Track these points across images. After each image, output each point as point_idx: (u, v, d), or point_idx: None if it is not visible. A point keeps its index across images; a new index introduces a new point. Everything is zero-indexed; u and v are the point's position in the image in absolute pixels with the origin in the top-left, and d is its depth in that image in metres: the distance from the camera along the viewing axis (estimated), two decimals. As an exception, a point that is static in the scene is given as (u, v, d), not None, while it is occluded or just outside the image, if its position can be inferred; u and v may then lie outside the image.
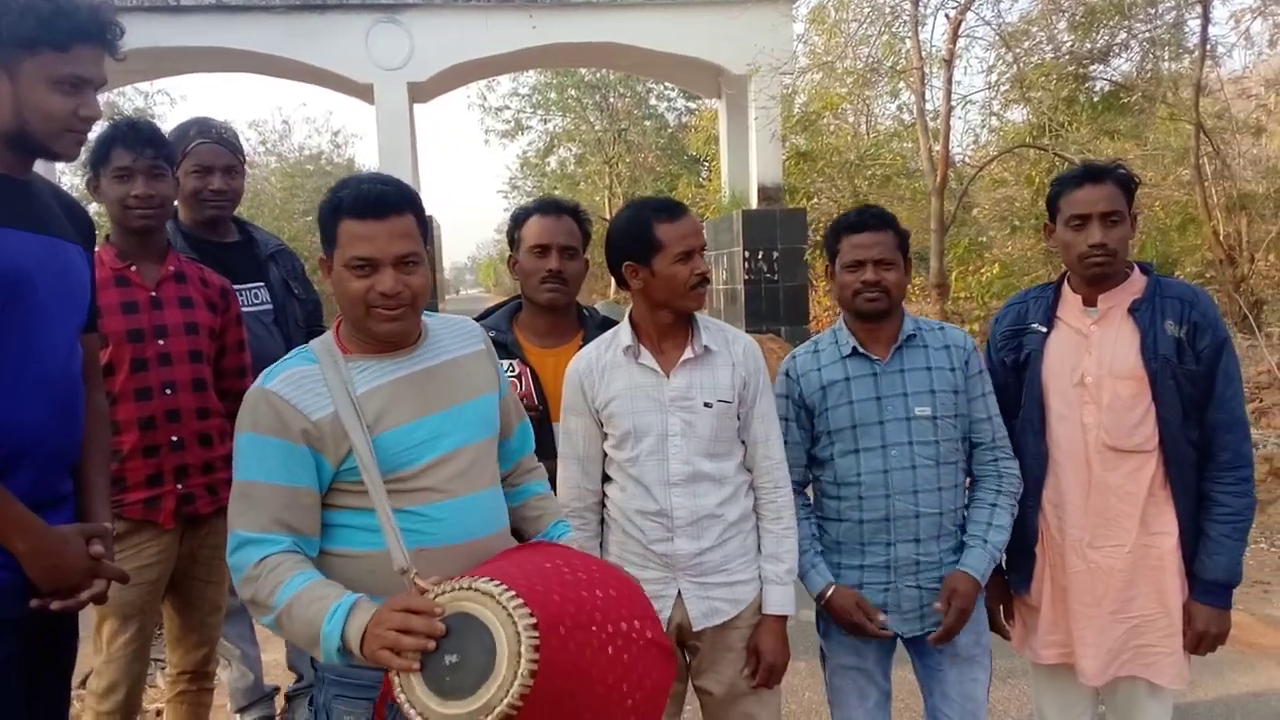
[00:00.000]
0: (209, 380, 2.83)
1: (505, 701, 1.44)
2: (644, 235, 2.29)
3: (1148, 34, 13.30)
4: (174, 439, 2.71)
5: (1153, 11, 13.05)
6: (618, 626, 1.66)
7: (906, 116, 17.50)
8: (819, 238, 16.67)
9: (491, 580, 1.56)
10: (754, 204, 15.53)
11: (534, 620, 1.49)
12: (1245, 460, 2.36)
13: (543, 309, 2.68)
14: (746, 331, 12.96)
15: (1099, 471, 2.42)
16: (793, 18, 14.01)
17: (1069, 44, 13.66)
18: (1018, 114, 15.74)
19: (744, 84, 14.71)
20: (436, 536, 1.84)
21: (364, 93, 15.34)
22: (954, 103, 13.73)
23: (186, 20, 14.04)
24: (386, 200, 1.78)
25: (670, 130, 29.61)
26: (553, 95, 30.43)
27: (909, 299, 16.75)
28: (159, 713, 3.53)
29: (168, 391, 2.70)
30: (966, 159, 16.61)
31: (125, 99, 23.38)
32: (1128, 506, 2.40)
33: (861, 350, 2.46)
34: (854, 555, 2.47)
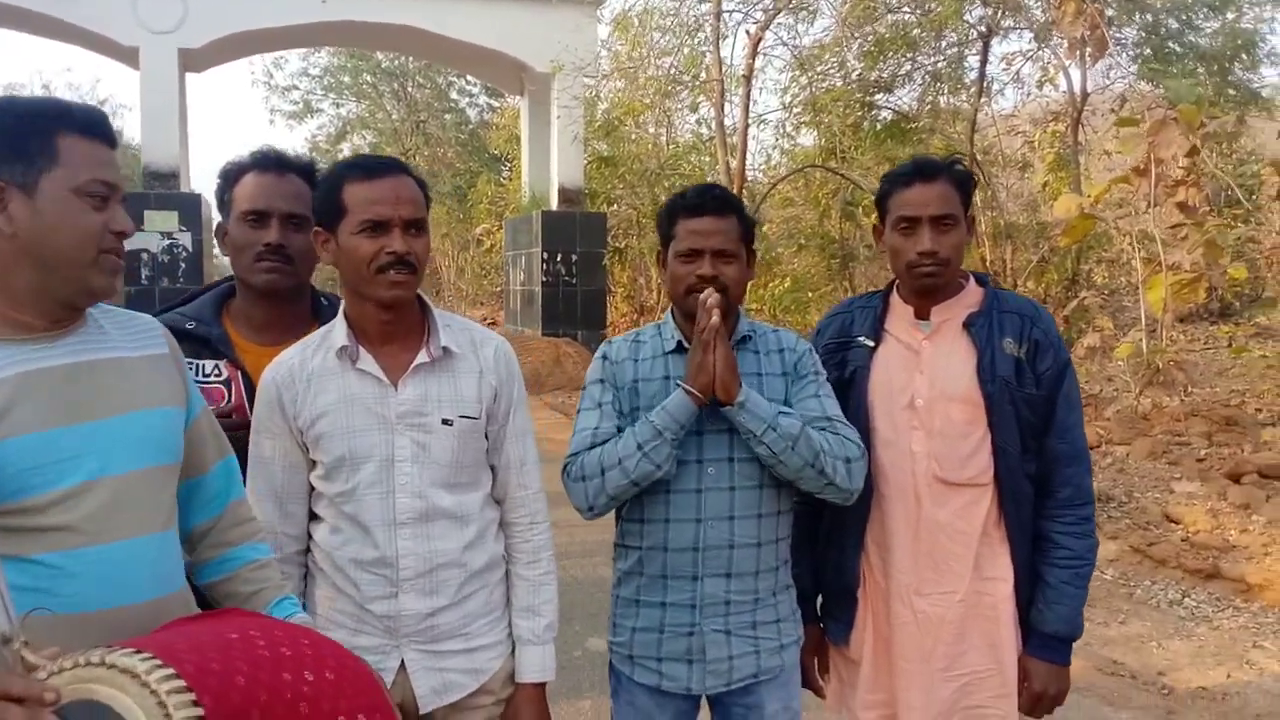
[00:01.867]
0: None
1: None
2: (331, 195, 1.78)
3: (930, 68, 14.00)
4: None
5: (936, 46, 13.74)
6: (330, 716, 1.26)
7: (705, 130, 17.72)
8: (618, 244, 16.59)
9: (137, 653, 1.12)
10: (554, 205, 15.27)
11: (200, 712, 1.08)
12: (1087, 497, 2.13)
13: (261, 294, 2.08)
14: (543, 335, 12.64)
15: (929, 507, 2.12)
16: (598, 19, 13.86)
17: (858, 71, 14.16)
18: (809, 137, 16.26)
19: (547, 83, 14.41)
20: (68, 598, 1.34)
21: (129, 56, 13.93)
22: (750, 120, 13.96)
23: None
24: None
25: (471, 126, 28.89)
26: (346, 79, 29.04)
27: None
28: None
29: None
30: (760, 176, 17.01)
31: None
32: (959, 548, 2.12)
33: (687, 348, 2.06)
34: (655, 590, 2.06)
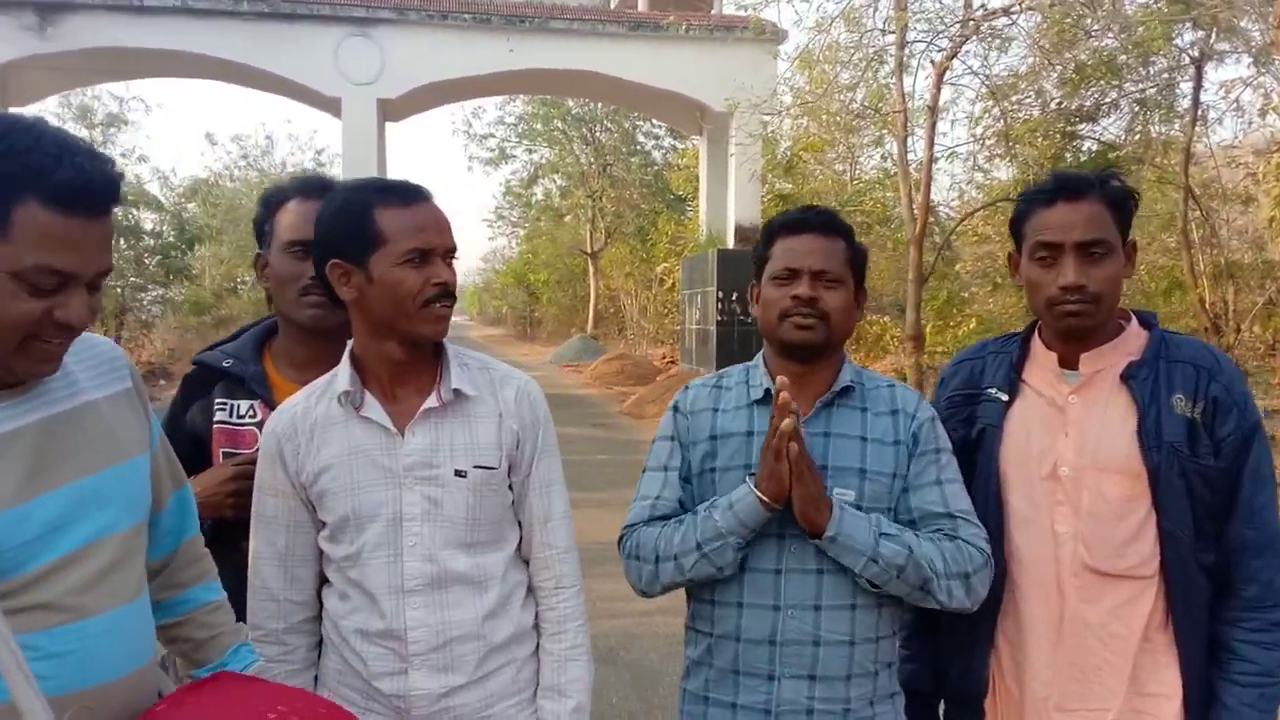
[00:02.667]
0: None
1: None
2: (360, 222, 1.59)
3: (1138, 95, 12.97)
4: None
5: (1144, 73, 12.72)
6: None
7: (890, 165, 17.16)
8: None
9: None
10: (731, 244, 15.10)
11: None
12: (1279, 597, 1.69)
13: (304, 331, 1.93)
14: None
15: (1075, 603, 1.74)
16: (776, 55, 13.63)
17: (1057, 100, 13.30)
18: (1004, 171, 15.42)
19: (725, 122, 14.30)
20: (55, 681, 1.19)
21: (332, 106, 14.85)
22: (938, 153, 13.34)
23: (151, 21, 13.49)
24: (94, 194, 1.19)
25: (656, 168, 29.26)
26: (538, 126, 30.06)
27: (883, 350, 16.33)
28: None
29: None
30: (950, 212, 16.26)
31: (100, 103, 22.86)
32: (1114, 655, 1.72)
33: (765, 397, 1.78)
34: (725, 688, 1.74)
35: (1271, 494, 1.71)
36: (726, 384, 1.85)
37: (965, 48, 12.16)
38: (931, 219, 13.92)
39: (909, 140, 13.22)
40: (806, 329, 1.72)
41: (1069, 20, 11.27)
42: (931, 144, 12.68)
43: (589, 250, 31.36)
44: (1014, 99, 13.55)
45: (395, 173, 18.77)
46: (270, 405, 1.87)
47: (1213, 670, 1.71)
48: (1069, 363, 1.80)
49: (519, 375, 1.76)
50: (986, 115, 13.84)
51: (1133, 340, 1.79)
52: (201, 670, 1.51)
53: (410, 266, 1.57)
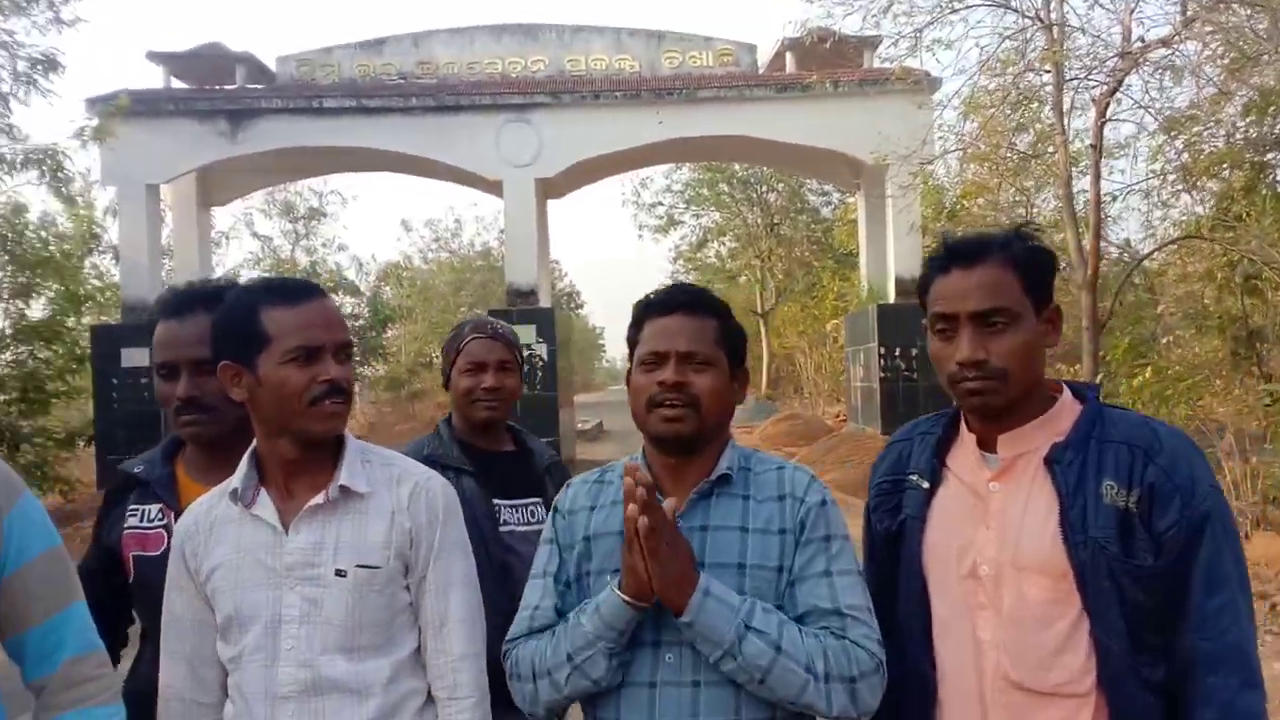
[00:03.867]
0: None
1: None
2: (246, 323, 1.61)
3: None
4: None
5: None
6: None
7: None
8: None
9: None
10: (891, 298, 14.69)
11: None
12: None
13: (193, 442, 1.98)
14: (883, 433, 11.89)
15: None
16: (923, 105, 13.30)
17: (1243, 129, 12.29)
18: (1200, 205, 14.36)
19: (880, 175, 14.01)
20: None
21: (494, 188, 15.56)
22: (1116, 192, 12.58)
23: (330, 122, 14.63)
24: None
25: (827, 224, 28.98)
26: (705, 191, 30.43)
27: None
28: None
29: None
30: (1133, 251, 15.25)
31: (301, 198, 24.94)
32: None
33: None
34: None
35: (1233, 597, 1.45)
36: (609, 478, 1.75)
37: (1128, 80, 11.49)
38: (1125, 257, 13.10)
39: (1075, 180, 12.56)
40: (674, 420, 1.62)
41: (1243, 44, 10.47)
42: (1097, 183, 11.99)
43: (759, 311, 31.25)
44: (1195, 130, 12.66)
45: (558, 248, 19.44)
46: (173, 508, 1.91)
47: None
48: (989, 445, 1.60)
49: (420, 472, 1.73)
50: (1163, 151, 12.98)
51: (1062, 417, 1.58)
52: None
53: (295, 365, 1.59)
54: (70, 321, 13.94)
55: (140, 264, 14.38)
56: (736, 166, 27.68)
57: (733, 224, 31.45)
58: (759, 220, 30.09)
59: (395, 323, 26.66)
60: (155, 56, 15.39)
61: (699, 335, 1.64)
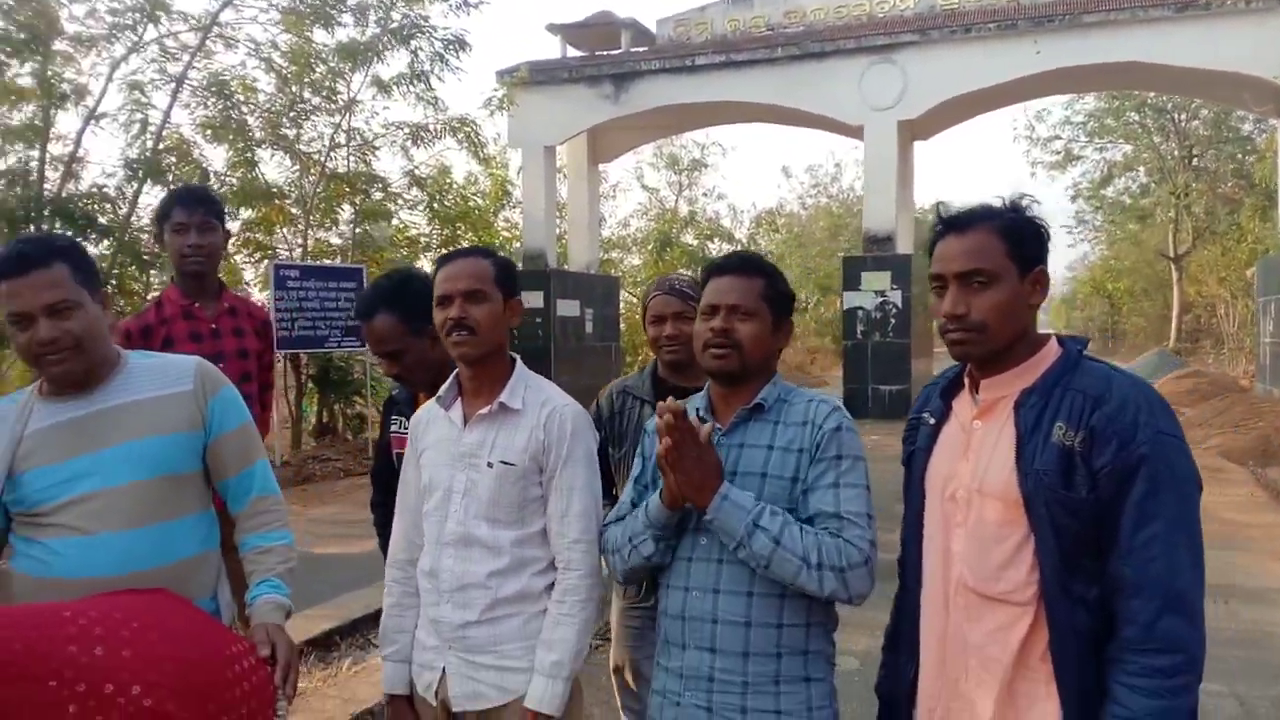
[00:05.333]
0: (254, 395, 3.33)
1: None
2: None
3: None
4: None
5: None
6: (96, 688, 1.62)
7: None
8: None
9: None
10: (1315, 242, 12.75)
11: None
12: (1164, 642, 1.56)
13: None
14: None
15: (958, 621, 1.77)
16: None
17: None
18: None
19: (1302, 97, 12.16)
20: (54, 568, 1.92)
21: (855, 133, 15.55)
22: None
23: (701, 78, 15.46)
24: (26, 258, 1.92)
25: (1259, 154, 25.25)
26: (1110, 121, 27.74)
27: None
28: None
29: None
30: None
31: (685, 151, 26.36)
32: (989, 676, 1.72)
33: (704, 416, 2.03)
34: (663, 654, 2.06)
35: (1163, 533, 1.57)
36: (695, 405, 2.10)
37: None
38: None
39: None
40: (720, 358, 1.97)
41: None
42: None
43: (1172, 255, 28.08)
44: None
45: (921, 192, 18.88)
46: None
47: (1091, 713, 1.62)
48: (978, 388, 1.81)
49: (561, 400, 2.18)
50: None
51: (1038, 366, 1.74)
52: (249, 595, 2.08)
53: (439, 308, 2.14)
54: (484, 267, 16.07)
55: (537, 218, 16.26)
56: (1151, 94, 24.93)
57: (1143, 157, 28.40)
58: (1175, 152, 26.92)
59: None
60: (553, 28, 17.13)
61: (746, 291, 2.00)
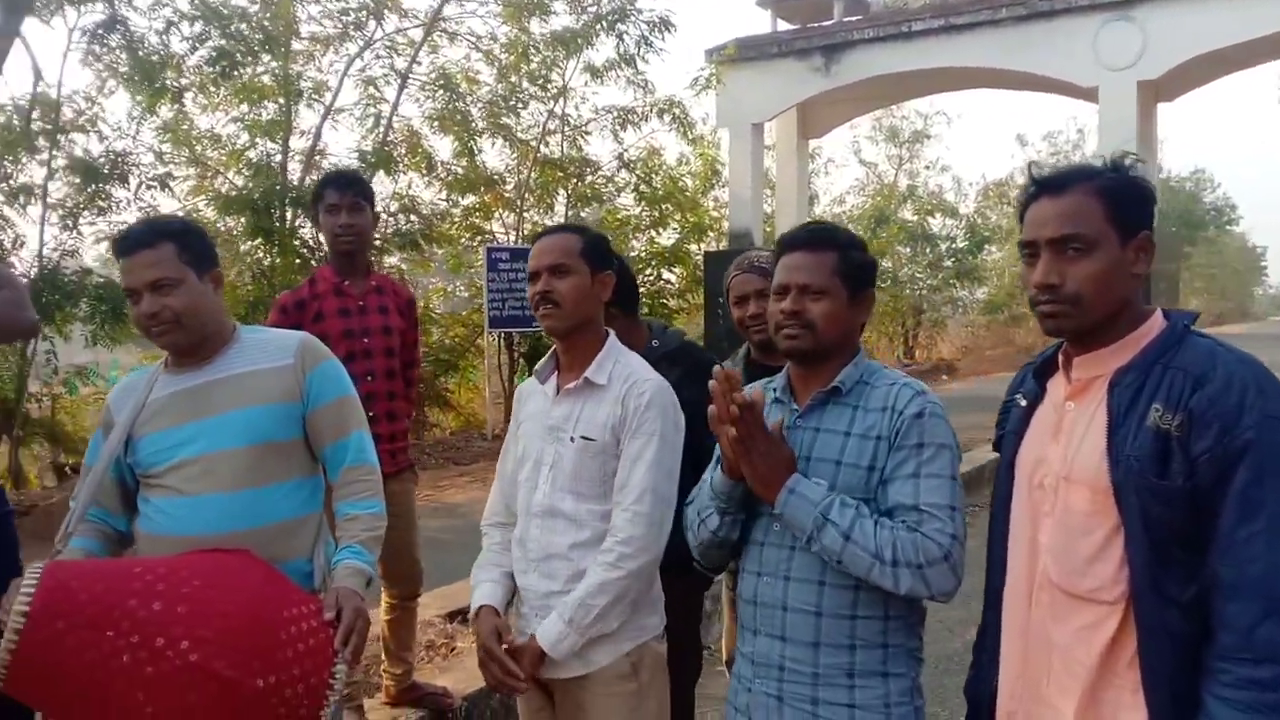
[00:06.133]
0: (397, 370, 3.52)
1: (0, 653, 1.71)
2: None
3: None
4: (370, 414, 3.19)
5: None
6: (148, 640, 1.70)
7: None
8: None
9: (36, 570, 1.78)
10: None
11: (25, 608, 1.70)
12: (1264, 651, 1.39)
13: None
14: None
15: (1041, 619, 1.64)
16: None
17: None
18: None
19: None
20: (160, 526, 2.10)
21: (1089, 95, 14.43)
22: None
23: (918, 44, 14.82)
24: (133, 238, 2.10)
25: None
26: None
27: None
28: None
29: (369, 378, 3.38)
30: None
31: (906, 122, 25.39)
32: (1071, 681, 1.58)
33: (782, 398, 1.99)
34: (741, 638, 2.02)
35: (1267, 528, 1.41)
36: (770, 386, 2.06)
37: None
38: None
39: None
40: (793, 338, 1.90)
41: None
42: None
43: None
44: None
45: (1172, 159, 17.29)
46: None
47: None
48: (1072, 367, 1.66)
49: (644, 375, 2.20)
50: None
51: (1137, 342, 1.58)
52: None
53: (530, 283, 2.26)
54: (692, 247, 16.20)
55: (744, 196, 16.17)
56: None
57: None
58: None
59: (994, 244, 25.99)
60: (763, 2, 16.92)
61: (816, 268, 1.91)
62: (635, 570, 2.11)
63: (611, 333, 2.30)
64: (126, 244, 2.11)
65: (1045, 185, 1.63)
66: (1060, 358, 1.71)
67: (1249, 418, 1.44)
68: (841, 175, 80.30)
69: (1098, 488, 1.56)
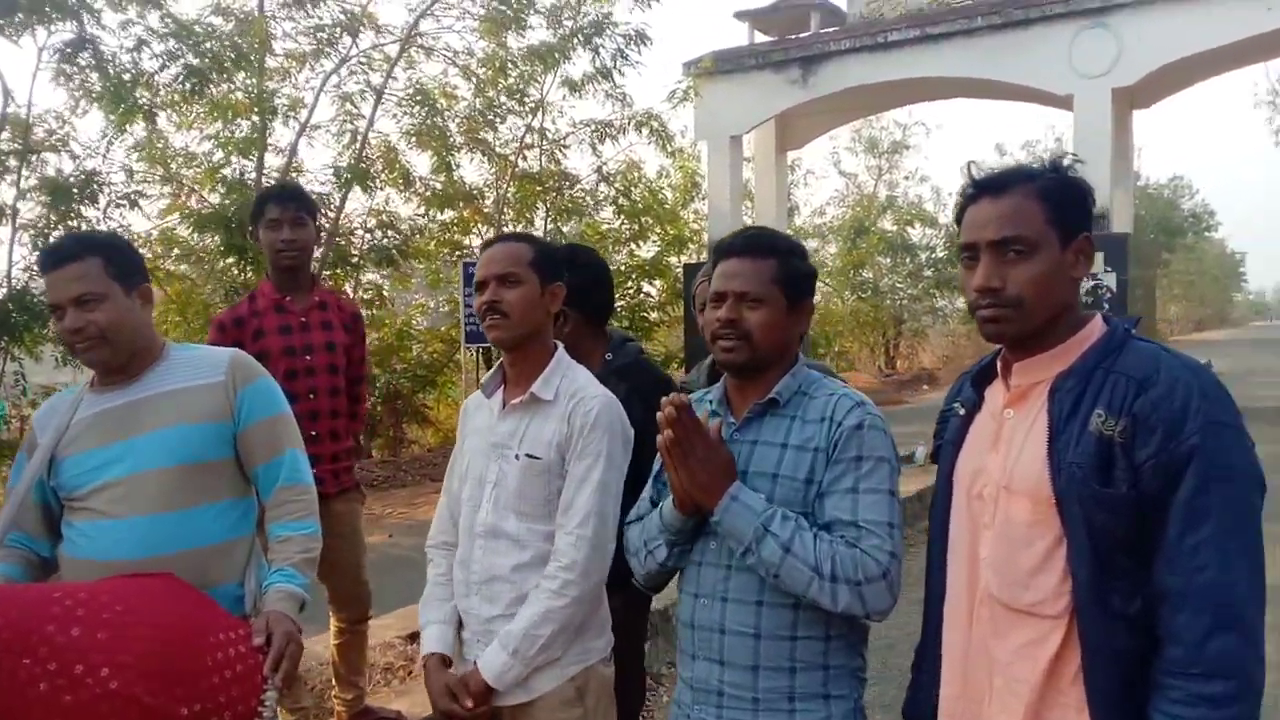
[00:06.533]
0: (341, 388, 3.48)
1: None
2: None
3: None
4: (313, 433, 3.20)
5: None
6: (67, 667, 1.64)
7: None
8: None
9: None
10: None
11: None
12: (1215, 665, 1.34)
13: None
14: None
15: (982, 635, 1.58)
16: None
17: None
18: None
19: None
20: (83, 550, 2.03)
21: (1063, 103, 14.49)
22: None
23: (894, 55, 14.87)
24: (58, 252, 2.03)
25: None
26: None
27: None
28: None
29: (311, 396, 3.34)
30: None
31: (885, 132, 25.48)
32: (1014, 700, 1.53)
33: (718, 410, 1.90)
34: (681, 662, 1.94)
35: (1215, 536, 1.36)
36: (708, 397, 1.98)
37: None
38: None
39: None
40: (729, 350, 1.83)
41: None
42: None
43: None
44: None
45: (1148, 165, 17.41)
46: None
47: None
48: (1011, 374, 1.61)
49: (591, 391, 2.11)
50: None
51: (1078, 346, 1.54)
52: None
53: (477, 291, 2.16)
54: (673, 260, 16.17)
55: (723, 209, 16.16)
56: None
57: None
58: None
59: (977, 253, 26.05)
60: (741, 15, 16.95)
61: (754, 276, 1.83)
62: (579, 596, 2.04)
63: (560, 346, 2.22)
64: (52, 258, 2.04)
65: (984, 186, 1.59)
66: (999, 364, 1.67)
67: (1193, 423, 1.40)
68: (821, 186, 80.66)
69: (1039, 497, 1.51)
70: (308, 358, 3.39)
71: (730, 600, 1.81)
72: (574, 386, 2.14)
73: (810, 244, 24.78)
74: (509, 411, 2.16)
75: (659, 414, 1.76)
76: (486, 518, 2.13)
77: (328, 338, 3.48)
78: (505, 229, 13.63)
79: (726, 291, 1.84)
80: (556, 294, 2.17)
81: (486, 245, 2.22)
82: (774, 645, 1.78)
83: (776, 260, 1.87)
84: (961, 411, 1.73)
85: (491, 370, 2.25)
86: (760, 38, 16.83)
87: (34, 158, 8.91)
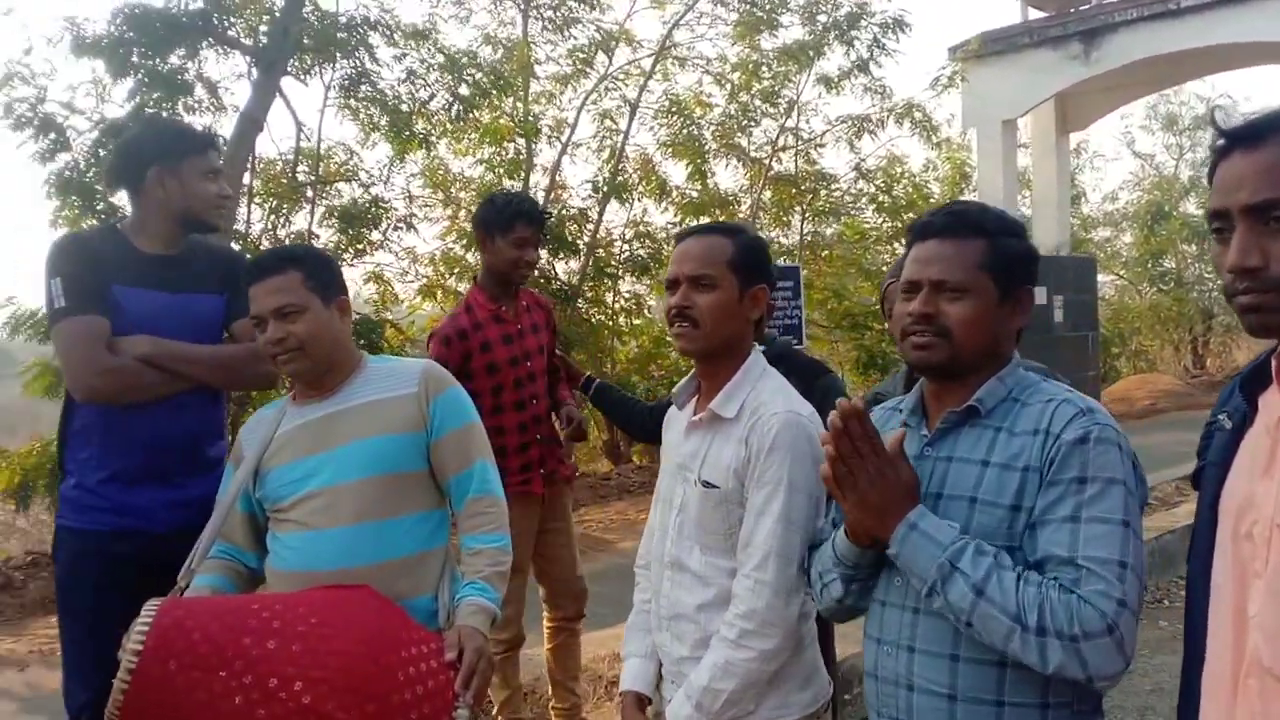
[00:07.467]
0: (548, 385, 3.58)
1: (113, 692, 1.68)
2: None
3: None
4: (537, 437, 3.41)
5: None
6: (261, 681, 1.61)
7: None
8: None
9: (153, 608, 1.74)
10: None
11: (139, 647, 1.66)
12: None
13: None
14: None
15: (1248, 711, 1.16)
16: None
17: None
18: None
19: None
20: (286, 561, 2.10)
21: None
22: None
23: (1188, 21, 13.33)
24: (260, 265, 2.09)
25: None
26: None
27: None
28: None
29: (534, 401, 3.43)
30: None
31: (1186, 107, 22.96)
32: None
33: (910, 421, 1.61)
34: (871, 717, 1.64)
35: None
36: (903, 406, 1.67)
37: None
38: None
39: None
40: (923, 348, 1.52)
41: None
42: None
43: None
44: None
45: None
46: None
47: None
48: None
49: (772, 405, 1.83)
50: None
51: None
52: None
53: (667, 291, 1.97)
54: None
55: (995, 199, 15.15)
56: None
57: None
58: None
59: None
60: (1011, -7, 15.85)
61: (956, 261, 1.53)
62: (765, 651, 1.78)
63: (756, 351, 1.95)
64: (255, 271, 2.14)
65: (1237, 137, 1.22)
66: (1275, 365, 1.27)
67: None
68: (1112, 170, 73.77)
69: None
70: (528, 364, 3.49)
71: (919, 651, 1.51)
72: (757, 400, 1.87)
73: (1101, 233, 22.79)
74: (692, 429, 1.94)
75: (823, 430, 1.52)
76: (671, 547, 1.94)
77: (539, 341, 3.58)
78: (761, 234, 13.52)
79: (921, 280, 1.54)
80: (759, 298, 1.90)
81: (681, 237, 1.98)
82: (974, 710, 1.45)
83: (985, 241, 1.54)
84: (1228, 425, 1.35)
85: (686, 377, 2.03)
86: (1034, 14, 15.66)
87: (328, 187, 9.87)
